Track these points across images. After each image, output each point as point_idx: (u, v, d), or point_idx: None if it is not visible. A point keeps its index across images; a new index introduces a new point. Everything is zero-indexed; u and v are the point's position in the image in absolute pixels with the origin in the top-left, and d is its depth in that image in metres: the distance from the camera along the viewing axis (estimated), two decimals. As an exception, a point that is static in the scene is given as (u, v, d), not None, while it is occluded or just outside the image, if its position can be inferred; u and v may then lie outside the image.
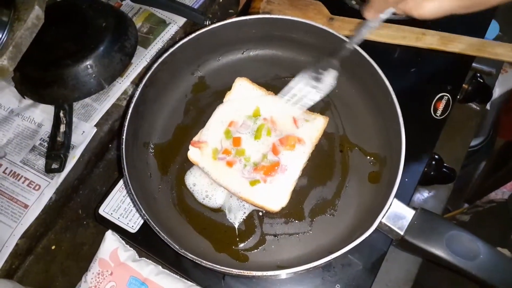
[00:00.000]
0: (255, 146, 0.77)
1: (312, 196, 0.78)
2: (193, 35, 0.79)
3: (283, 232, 0.75)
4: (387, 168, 0.76)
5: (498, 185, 1.48)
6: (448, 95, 0.89)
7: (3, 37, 0.91)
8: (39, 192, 0.89)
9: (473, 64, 0.97)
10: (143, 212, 0.66)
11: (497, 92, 1.29)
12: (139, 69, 1.01)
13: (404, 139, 0.68)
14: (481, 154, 1.57)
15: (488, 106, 1.07)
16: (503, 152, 1.58)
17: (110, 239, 0.84)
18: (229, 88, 0.83)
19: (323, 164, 0.79)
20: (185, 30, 1.07)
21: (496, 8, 1.00)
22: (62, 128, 0.94)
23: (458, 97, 0.93)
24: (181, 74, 0.86)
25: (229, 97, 0.82)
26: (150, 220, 0.65)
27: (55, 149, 0.91)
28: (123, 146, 0.70)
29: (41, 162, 0.92)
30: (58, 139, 0.93)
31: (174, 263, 0.80)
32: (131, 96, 0.75)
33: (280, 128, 0.78)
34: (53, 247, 0.90)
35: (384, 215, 0.64)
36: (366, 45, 0.75)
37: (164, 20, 1.08)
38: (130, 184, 0.68)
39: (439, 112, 0.88)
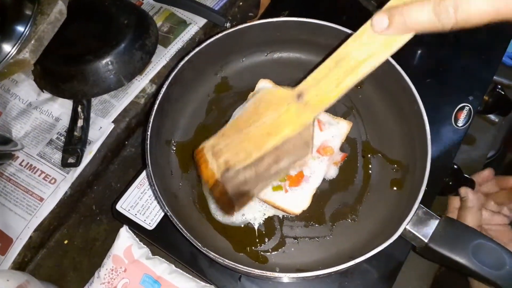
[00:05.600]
0: None
1: (333, 200, 0.78)
2: (219, 35, 0.79)
3: (303, 235, 0.75)
4: (410, 176, 0.76)
5: (506, 201, 1.48)
6: (469, 105, 0.90)
7: (25, 30, 0.92)
8: (55, 186, 0.89)
9: (494, 77, 0.97)
10: (166, 208, 0.66)
11: (509, 106, 1.30)
12: (158, 68, 1.01)
13: (430, 147, 0.68)
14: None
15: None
16: (512, 167, 1.58)
17: (124, 236, 0.84)
18: (252, 89, 0.83)
19: (345, 169, 0.79)
20: (205, 31, 1.08)
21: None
22: (80, 123, 0.94)
23: (479, 108, 0.93)
24: (204, 74, 0.86)
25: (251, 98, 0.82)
26: (172, 216, 0.65)
27: (72, 144, 0.91)
28: (148, 142, 0.70)
29: (57, 156, 0.92)
30: (75, 133, 0.93)
31: (190, 261, 0.80)
32: (156, 93, 0.75)
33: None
34: (65, 242, 0.90)
35: (409, 221, 0.63)
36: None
37: (184, 20, 1.08)
38: (153, 180, 0.68)
39: (460, 122, 0.89)
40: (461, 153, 0.93)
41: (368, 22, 0.49)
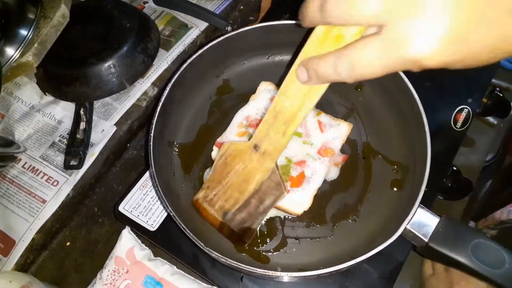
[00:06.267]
0: None
1: (334, 201, 0.78)
2: (221, 38, 0.80)
3: (305, 235, 0.76)
4: (410, 177, 0.77)
5: (505, 204, 1.48)
6: (468, 107, 0.91)
7: (29, 34, 0.93)
8: (57, 188, 0.90)
9: (493, 80, 0.98)
10: (169, 208, 0.66)
11: (510, 110, 1.31)
12: (160, 71, 1.02)
13: (430, 149, 0.69)
14: (488, 172, 1.57)
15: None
16: (512, 169, 1.58)
17: (127, 238, 0.84)
18: (253, 92, 0.84)
19: (346, 170, 0.80)
20: (206, 35, 1.09)
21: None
22: (82, 125, 0.94)
23: (477, 110, 0.94)
24: (206, 76, 0.87)
25: (253, 100, 0.83)
26: (175, 216, 0.66)
27: (75, 146, 0.92)
28: (151, 143, 0.71)
29: (60, 158, 0.92)
30: (78, 136, 0.93)
31: (192, 262, 0.80)
32: (158, 96, 0.76)
33: (305, 132, 0.78)
34: (68, 244, 0.90)
35: (409, 221, 0.64)
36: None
37: (186, 24, 1.09)
38: (157, 180, 0.68)
39: (459, 124, 0.89)
40: (460, 155, 0.94)
41: (291, 73, 0.52)
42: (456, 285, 0.77)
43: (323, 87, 0.50)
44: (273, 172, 0.63)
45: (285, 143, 0.58)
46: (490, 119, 1.00)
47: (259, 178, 0.64)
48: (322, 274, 0.63)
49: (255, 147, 0.62)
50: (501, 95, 0.95)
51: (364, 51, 0.42)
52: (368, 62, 0.42)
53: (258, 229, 0.76)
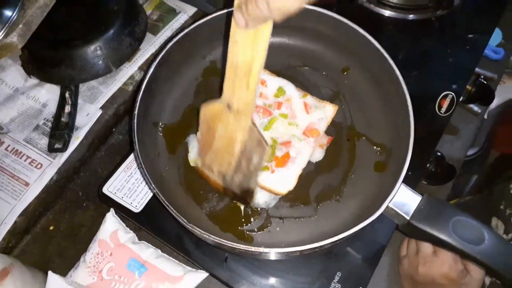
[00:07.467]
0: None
1: (318, 182, 0.78)
2: (208, 17, 0.80)
3: (289, 215, 0.76)
4: (393, 159, 0.77)
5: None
6: (452, 93, 0.91)
7: (13, 15, 0.92)
8: (41, 171, 0.89)
9: (476, 69, 0.99)
10: (153, 185, 0.66)
11: (494, 103, 1.32)
12: (147, 55, 1.02)
13: (413, 130, 0.69)
14: (474, 166, 1.58)
15: (485, 116, 1.09)
16: (497, 164, 1.60)
17: (111, 221, 0.84)
18: (240, 74, 0.84)
19: (330, 151, 0.80)
20: (195, 20, 1.07)
21: (500, 17, 1.03)
22: (67, 108, 0.94)
23: (461, 98, 0.94)
24: (193, 57, 0.86)
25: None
26: (159, 193, 0.65)
27: (59, 129, 0.91)
28: (135, 121, 0.70)
29: (44, 141, 0.92)
30: (63, 119, 0.93)
31: (176, 244, 0.80)
32: (144, 74, 0.75)
33: (290, 113, 0.78)
34: (51, 228, 0.90)
35: (391, 199, 0.64)
36: (377, 36, 0.77)
37: (174, 9, 1.09)
38: (140, 158, 0.68)
39: (443, 110, 0.90)
40: (445, 142, 0.95)
41: (232, 21, 0.53)
42: (422, 266, 0.79)
43: (266, 29, 0.51)
44: (252, 130, 0.61)
45: (251, 97, 0.57)
46: (474, 107, 1.01)
47: (241, 138, 0.63)
48: (304, 250, 0.63)
49: (228, 106, 0.61)
50: (485, 82, 0.96)
51: None
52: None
53: (243, 209, 0.77)
